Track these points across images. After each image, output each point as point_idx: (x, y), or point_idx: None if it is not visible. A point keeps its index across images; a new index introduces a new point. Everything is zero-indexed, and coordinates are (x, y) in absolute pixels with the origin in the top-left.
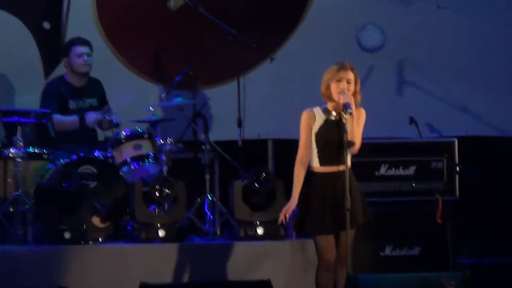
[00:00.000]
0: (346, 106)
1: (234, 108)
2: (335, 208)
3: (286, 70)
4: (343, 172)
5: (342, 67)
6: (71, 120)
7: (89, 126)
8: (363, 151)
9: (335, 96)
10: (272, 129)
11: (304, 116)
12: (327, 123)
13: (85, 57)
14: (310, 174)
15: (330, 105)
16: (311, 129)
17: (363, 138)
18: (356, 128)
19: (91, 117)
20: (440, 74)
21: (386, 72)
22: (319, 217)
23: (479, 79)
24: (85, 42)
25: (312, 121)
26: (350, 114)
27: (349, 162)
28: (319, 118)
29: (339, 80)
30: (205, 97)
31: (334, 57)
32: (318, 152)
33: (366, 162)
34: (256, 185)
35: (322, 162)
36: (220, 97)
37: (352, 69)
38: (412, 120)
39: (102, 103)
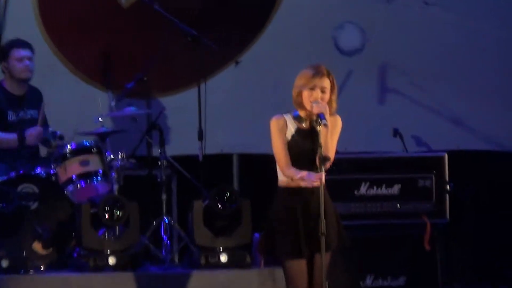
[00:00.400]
0: (320, 117)
1: (194, 119)
2: (307, 229)
3: (253, 75)
4: (316, 188)
5: (317, 73)
6: (9, 138)
7: (29, 144)
8: (340, 167)
9: (307, 104)
10: (237, 143)
11: (275, 122)
12: (299, 132)
13: (26, 62)
14: (279, 190)
15: (302, 113)
16: (283, 133)
17: (340, 153)
18: (330, 139)
19: (32, 133)
20: (427, 79)
21: (367, 78)
22: (289, 239)
23: (471, 85)
24: (26, 45)
25: (284, 128)
26: (325, 125)
27: (324, 179)
28: (291, 126)
29: (312, 88)
30: (161, 106)
31: (307, 61)
32: (292, 164)
33: (344, 180)
34: (219, 206)
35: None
36: (178, 106)
37: (328, 75)
38: (396, 132)
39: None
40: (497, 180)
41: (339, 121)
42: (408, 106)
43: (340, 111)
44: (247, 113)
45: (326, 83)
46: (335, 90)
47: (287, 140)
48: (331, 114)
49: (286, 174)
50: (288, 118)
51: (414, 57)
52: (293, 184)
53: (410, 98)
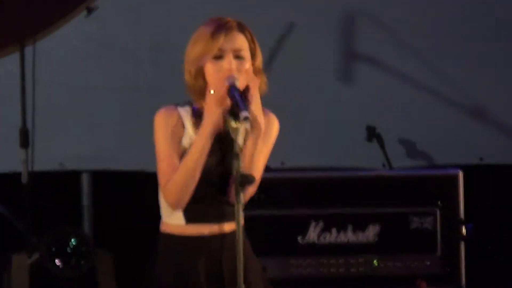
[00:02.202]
0: (238, 106)
1: (14, 112)
2: None
3: (121, 35)
4: (230, 234)
5: (221, 27)
6: None
7: None
8: (274, 195)
9: (216, 86)
10: (88, 153)
11: (162, 117)
12: None
13: None
14: (163, 239)
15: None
16: (178, 136)
17: (273, 170)
18: (257, 150)
19: None
20: (426, 42)
21: (320, 37)
22: None
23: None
24: None
25: (177, 129)
26: (246, 119)
27: (242, 218)
28: (189, 126)
29: (219, 56)
30: None
31: (216, 11)
32: None
33: (279, 218)
34: (58, 262)
35: (190, 217)
36: None
37: (242, 28)
38: (372, 134)
39: None
40: None
41: (274, 125)
42: (393, 88)
43: (274, 96)
44: (106, 101)
45: (241, 41)
46: (260, 56)
47: (182, 148)
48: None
49: (179, 201)
50: (185, 113)
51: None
52: (190, 231)
53: (397, 73)
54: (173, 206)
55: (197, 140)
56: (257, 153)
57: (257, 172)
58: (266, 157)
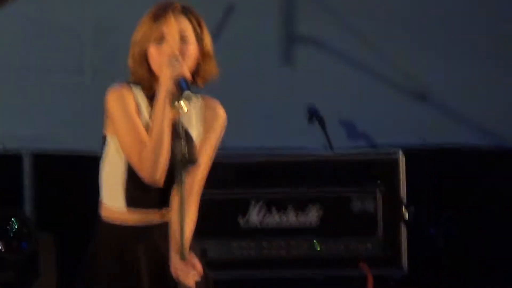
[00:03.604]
0: (181, 85)
1: None
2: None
3: (64, 16)
4: (164, 221)
5: (162, 9)
6: None
7: None
8: (214, 177)
9: (159, 71)
10: (31, 134)
11: (118, 92)
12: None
13: None
14: (101, 226)
15: (149, 90)
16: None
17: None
18: (204, 140)
19: None
20: (367, 23)
21: (261, 19)
22: None
23: (438, 31)
24: None
25: (132, 105)
26: (187, 98)
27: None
28: (143, 105)
29: (160, 39)
30: None
31: None
32: (126, 178)
33: (219, 200)
34: (0, 247)
35: (132, 201)
36: None
37: (185, 10)
38: (313, 115)
39: None
40: (488, 199)
41: (218, 112)
42: (334, 69)
43: (213, 80)
44: (48, 85)
45: (183, 24)
46: (208, 40)
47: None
48: (203, 84)
49: (154, 176)
50: (139, 93)
51: None
52: (131, 218)
53: (338, 54)
54: (150, 182)
55: (157, 112)
56: (205, 143)
57: (203, 157)
58: (214, 147)
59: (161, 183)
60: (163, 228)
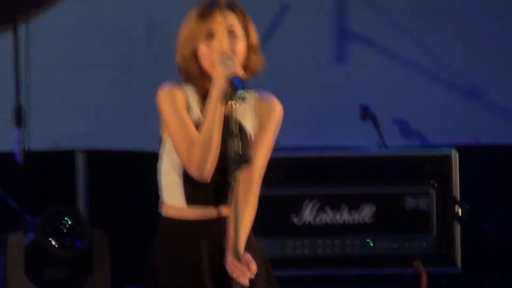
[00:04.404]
0: (235, 84)
1: (8, 90)
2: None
3: (116, 14)
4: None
5: (208, 6)
6: None
7: None
8: (269, 176)
9: (210, 68)
10: (84, 132)
11: (168, 91)
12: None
13: None
14: (163, 224)
15: (200, 88)
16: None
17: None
18: (260, 136)
19: None
20: (420, 22)
21: (314, 18)
22: None
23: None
24: None
25: (185, 102)
26: (242, 98)
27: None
28: (195, 105)
29: (209, 36)
30: None
31: None
32: (185, 177)
33: (274, 198)
34: (54, 243)
35: (191, 199)
36: None
37: (233, 7)
38: (366, 113)
39: None
40: None
41: (274, 107)
42: (387, 67)
43: (266, 79)
44: (100, 83)
45: (231, 19)
46: (254, 34)
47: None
48: (250, 76)
49: (202, 174)
50: (190, 91)
51: None
52: (190, 214)
53: (391, 52)
54: (198, 178)
55: (210, 110)
56: (262, 139)
57: (259, 155)
58: (271, 143)
59: (209, 180)
60: (223, 223)
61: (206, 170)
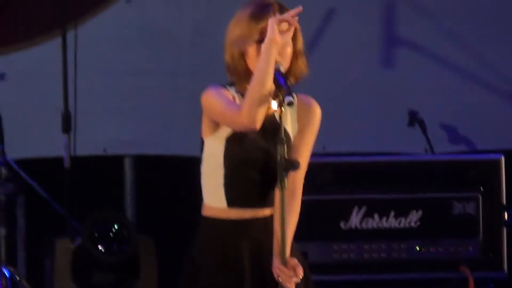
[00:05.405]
0: (283, 90)
1: (56, 96)
2: None
3: (162, 20)
4: (271, 218)
5: (261, 9)
6: None
7: None
8: (315, 181)
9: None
10: (131, 137)
11: (214, 88)
12: None
13: None
14: (206, 223)
15: (244, 90)
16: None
17: (315, 155)
18: (303, 139)
19: None
20: (466, 26)
21: (362, 23)
22: None
23: None
24: None
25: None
26: (290, 104)
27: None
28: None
29: (260, 40)
30: None
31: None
32: (226, 178)
33: (321, 203)
34: (101, 248)
35: (232, 201)
36: (27, 72)
37: (282, 10)
38: (413, 119)
39: None
40: None
41: (316, 114)
42: (434, 72)
43: (313, 82)
44: (148, 86)
45: (284, 23)
46: (301, 39)
47: (227, 133)
48: (296, 81)
49: (252, 118)
50: (233, 92)
51: None
52: (232, 214)
53: (438, 57)
54: (249, 126)
55: (263, 52)
56: (302, 144)
57: (303, 160)
58: (311, 146)
59: (258, 128)
60: (263, 223)
61: (258, 116)
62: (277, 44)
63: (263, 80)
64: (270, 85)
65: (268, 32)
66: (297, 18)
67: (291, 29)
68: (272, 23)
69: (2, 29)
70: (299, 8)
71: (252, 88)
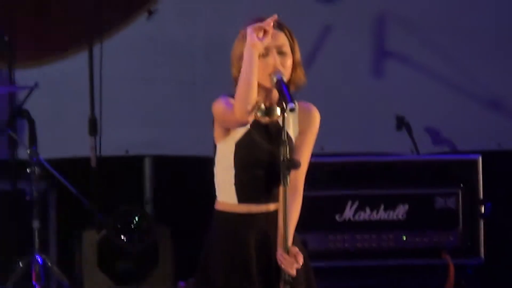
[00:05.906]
0: (285, 98)
1: (84, 102)
2: (261, 276)
3: (178, 34)
4: (275, 212)
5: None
6: None
7: None
8: (313, 178)
9: (264, 81)
10: (150, 139)
11: (223, 98)
12: (256, 128)
13: None
14: (217, 216)
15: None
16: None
17: (314, 155)
18: (303, 141)
19: None
20: (447, 38)
21: (355, 37)
22: None
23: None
24: None
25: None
26: (292, 110)
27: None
28: None
29: (264, 53)
30: (30, 83)
31: (263, 10)
32: (236, 178)
33: (318, 198)
34: (123, 238)
35: (242, 197)
36: (58, 82)
37: (281, 26)
38: (401, 122)
39: None
40: None
41: (315, 118)
42: (419, 81)
43: (313, 90)
44: (164, 96)
45: (282, 38)
46: (298, 51)
47: (237, 138)
48: (296, 88)
49: (243, 110)
50: None
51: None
52: (241, 209)
53: (423, 67)
54: (240, 117)
55: (245, 56)
56: (303, 147)
57: (304, 160)
58: (311, 147)
59: (250, 121)
60: (270, 217)
61: (247, 110)
62: (256, 48)
63: (248, 79)
64: (254, 82)
65: (247, 38)
66: (272, 24)
67: (268, 35)
68: (250, 31)
69: (38, 46)
70: (274, 16)
71: (240, 87)
